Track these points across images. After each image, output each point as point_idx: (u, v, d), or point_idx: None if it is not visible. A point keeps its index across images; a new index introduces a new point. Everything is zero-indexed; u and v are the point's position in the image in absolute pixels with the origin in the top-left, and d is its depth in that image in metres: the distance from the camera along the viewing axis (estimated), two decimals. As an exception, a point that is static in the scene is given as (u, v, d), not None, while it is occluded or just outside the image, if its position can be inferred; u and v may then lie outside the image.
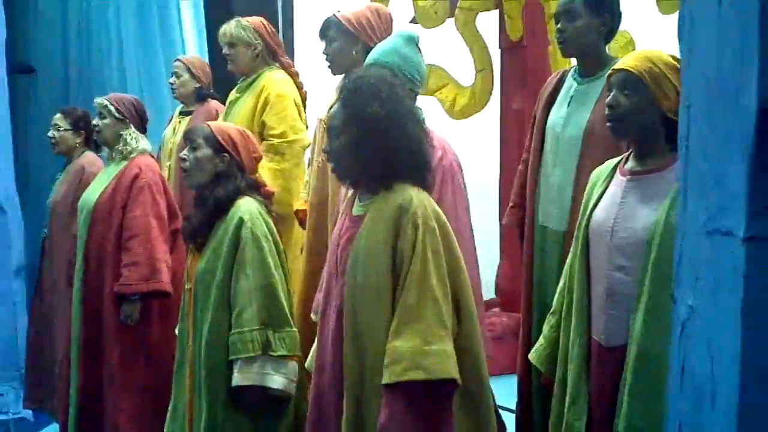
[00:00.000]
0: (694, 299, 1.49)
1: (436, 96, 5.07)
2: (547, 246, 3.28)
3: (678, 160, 1.63)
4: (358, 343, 2.36)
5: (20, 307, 4.97)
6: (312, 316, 3.09)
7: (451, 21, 5.17)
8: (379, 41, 3.22)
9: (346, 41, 3.48)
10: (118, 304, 3.79)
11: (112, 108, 3.93)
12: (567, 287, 2.65)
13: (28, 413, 4.74)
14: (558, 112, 3.27)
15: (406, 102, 2.49)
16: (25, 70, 6.03)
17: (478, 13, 5.12)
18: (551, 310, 2.75)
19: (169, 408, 3.24)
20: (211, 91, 4.86)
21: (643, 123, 2.42)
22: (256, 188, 3.21)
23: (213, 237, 3.09)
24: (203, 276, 3.08)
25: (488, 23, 5.23)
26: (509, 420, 3.30)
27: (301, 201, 3.86)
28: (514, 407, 3.42)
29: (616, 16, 3.20)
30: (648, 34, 4.51)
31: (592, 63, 3.20)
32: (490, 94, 5.17)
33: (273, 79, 4.09)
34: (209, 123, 3.32)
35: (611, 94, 2.47)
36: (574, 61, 3.36)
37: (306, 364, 2.86)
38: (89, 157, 4.48)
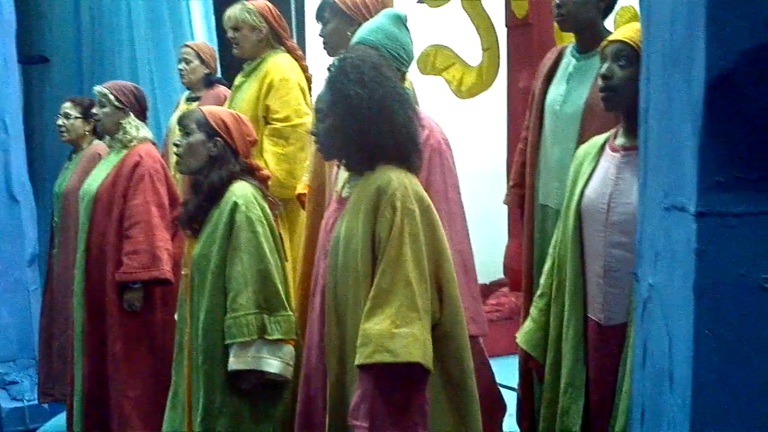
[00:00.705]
0: (653, 277, 1.45)
1: (443, 76, 5.02)
2: (548, 225, 3.24)
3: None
4: (339, 324, 2.39)
5: (34, 295, 5.03)
6: None
7: (457, 0, 5.12)
8: (375, 21, 3.18)
9: (340, 22, 3.44)
10: (121, 292, 3.81)
11: (111, 97, 3.92)
12: (557, 267, 2.60)
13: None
14: (557, 90, 3.23)
15: (391, 82, 2.46)
16: (39, 61, 6.08)
17: (484, -8, 5.08)
18: (539, 292, 2.71)
19: (169, 394, 3.25)
20: (218, 76, 4.85)
21: (636, 95, 2.37)
22: (251, 172, 3.19)
23: (208, 222, 3.09)
24: (199, 261, 3.08)
25: (494, 1, 5.17)
26: (510, 399, 3.28)
27: (303, 185, 3.84)
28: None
29: (614, -8, 3.14)
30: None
31: (591, 38, 3.14)
32: (497, 72, 5.12)
33: (277, 63, 4.06)
34: (201, 107, 3.31)
35: (605, 65, 2.43)
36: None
37: None
38: (101, 145, 4.49)
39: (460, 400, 2.41)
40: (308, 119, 4.05)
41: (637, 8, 4.46)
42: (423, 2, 5.17)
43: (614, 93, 2.41)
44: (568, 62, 3.23)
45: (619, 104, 2.44)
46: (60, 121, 4.53)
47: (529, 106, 3.40)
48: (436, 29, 5.22)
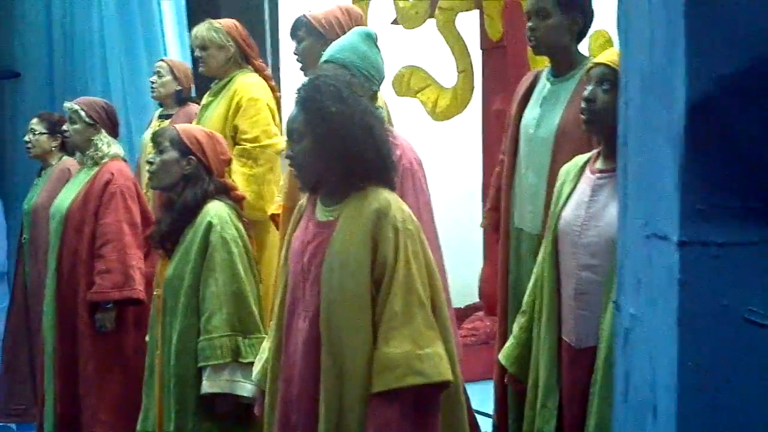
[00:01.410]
0: (636, 307, 1.43)
1: (417, 97, 5.03)
2: (523, 249, 3.23)
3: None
4: (335, 352, 2.31)
5: (2, 313, 4.95)
6: None
7: (432, 22, 5.13)
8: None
9: (315, 41, 3.43)
10: (93, 312, 3.76)
11: (82, 113, 3.89)
12: (539, 287, 2.61)
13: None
14: (531, 113, 3.23)
15: (365, 101, 2.45)
16: (10, 76, 6.02)
17: (458, 13, 5.08)
18: (521, 310, 2.72)
19: (140, 418, 3.20)
20: (193, 95, 4.81)
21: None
22: (226, 191, 3.16)
23: (182, 242, 3.06)
24: (172, 282, 3.05)
25: (469, 23, 5.18)
26: (485, 425, 3.26)
27: (276, 205, 3.81)
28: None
29: (588, 15, 3.16)
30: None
31: (564, 62, 3.16)
32: (472, 94, 5.13)
33: (245, 83, 4.03)
34: (176, 125, 3.28)
35: (589, 88, 2.44)
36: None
37: (255, 377, 2.71)
38: (71, 161, 4.45)
39: (454, 413, 2.41)
40: (278, 140, 4.01)
41: (611, 32, 4.51)
42: (398, 23, 5.17)
43: (597, 117, 2.42)
44: (543, 86, 3.24)
45: (601, 128, 2.44)
46: (27, 137, 4.50)
47: (505, 130, 3.40)
48: (411, 50, 5.23)
